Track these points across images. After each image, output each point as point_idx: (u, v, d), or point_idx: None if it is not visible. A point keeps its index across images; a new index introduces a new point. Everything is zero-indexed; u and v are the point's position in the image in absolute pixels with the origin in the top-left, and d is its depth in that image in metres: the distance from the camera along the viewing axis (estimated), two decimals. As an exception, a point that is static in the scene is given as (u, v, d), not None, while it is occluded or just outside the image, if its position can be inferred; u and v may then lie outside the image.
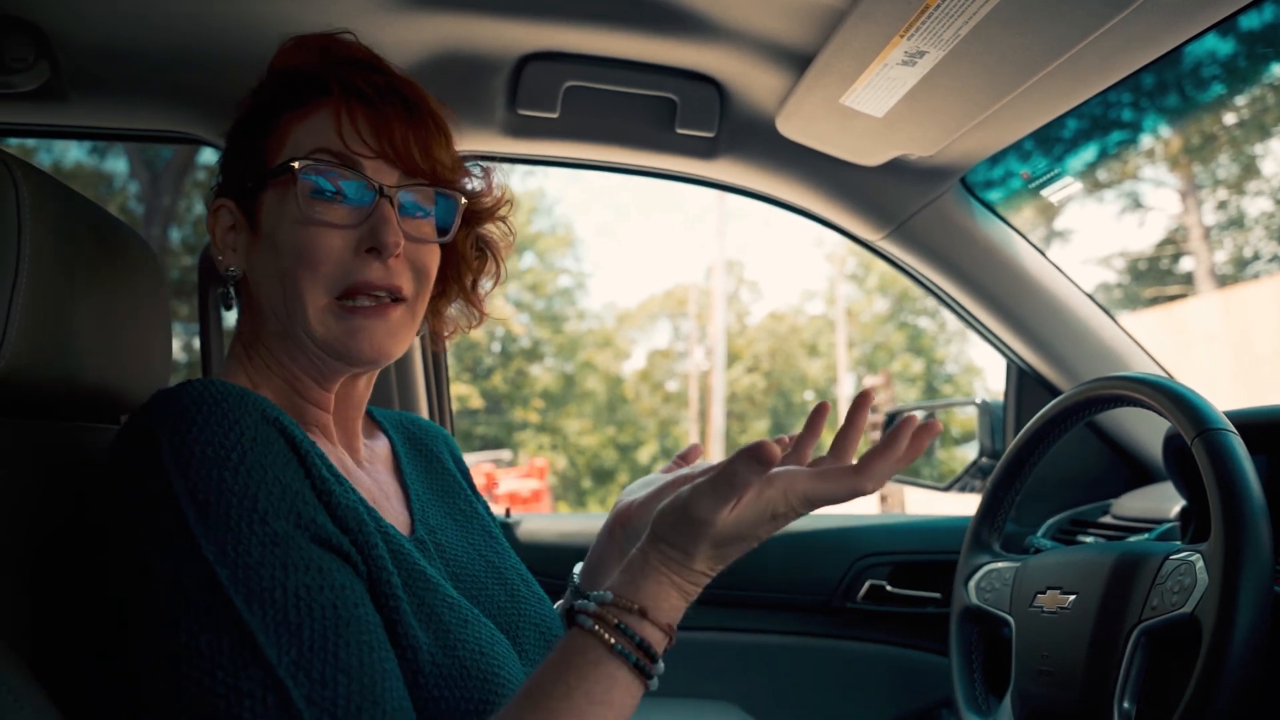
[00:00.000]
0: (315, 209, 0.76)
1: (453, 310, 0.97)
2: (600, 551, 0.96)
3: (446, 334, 0.98)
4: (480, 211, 0.92)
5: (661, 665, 0.64)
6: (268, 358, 0.82)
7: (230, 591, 0.59)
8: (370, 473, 0.88)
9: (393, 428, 0.99)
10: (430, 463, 0.99)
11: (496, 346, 23.60)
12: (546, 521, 1.77)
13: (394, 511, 0.86)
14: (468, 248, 0.92)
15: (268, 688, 0.58)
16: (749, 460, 0.61)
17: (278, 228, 0.77)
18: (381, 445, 0.96)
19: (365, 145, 0.77)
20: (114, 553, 0.63)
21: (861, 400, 0.72)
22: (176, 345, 0.98)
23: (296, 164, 0.75)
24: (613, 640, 0.63)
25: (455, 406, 1.82)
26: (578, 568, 0.99)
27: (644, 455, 22.88)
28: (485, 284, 0.97)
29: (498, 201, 0.93)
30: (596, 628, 0.63)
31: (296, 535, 0.63)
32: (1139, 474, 1.70)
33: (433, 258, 0.83)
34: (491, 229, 0.95)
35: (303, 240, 0.76)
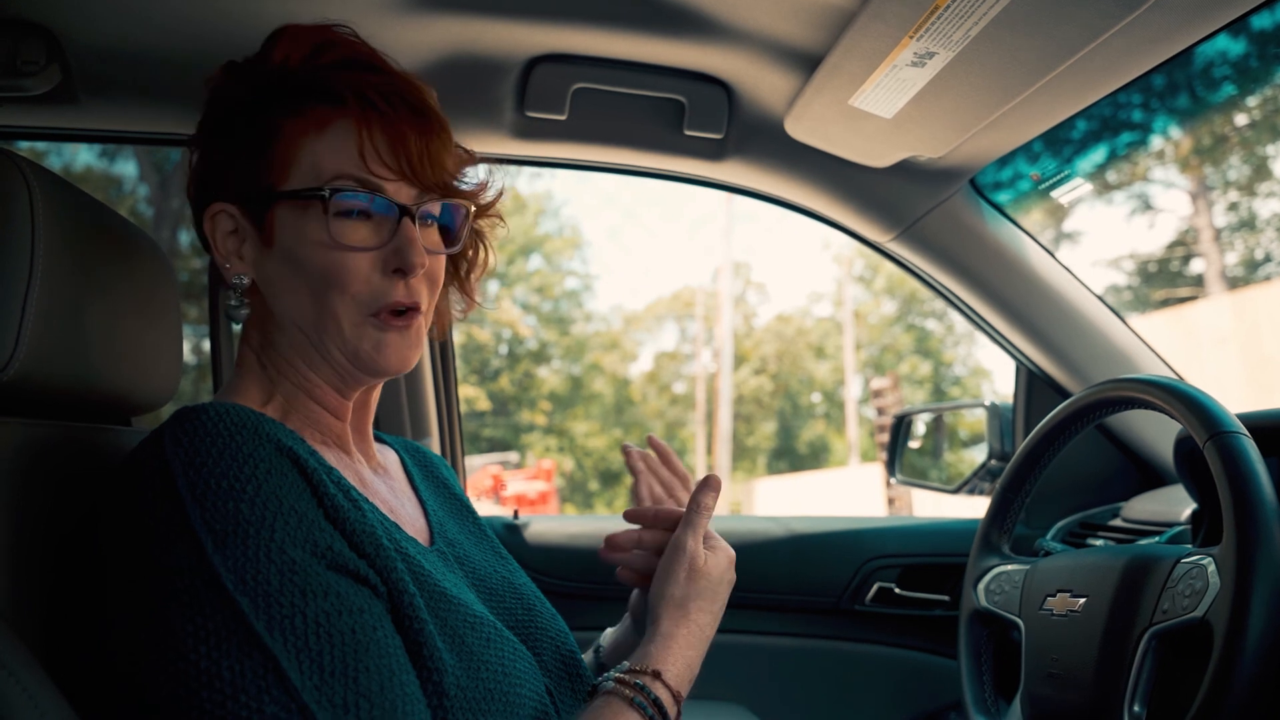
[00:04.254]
0: (343, 233, 0.76)
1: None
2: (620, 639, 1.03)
3: (441, 326, 0.97)
4: (479, 208, 0.91)
5: None
6: (283, 365, 0.81)
7: (252, 619, 0.60)
8: (385, 481, 0.89)
9: (400, 447, 1.00)
10: (438, 484, 1.00)
11: (504, 349, 23.65)
12: (554, 523, 1.77)
13: (412, 521, 0.86)
14: (466, 244, 0.91)
15: (292, 712, 0.58)
16: (706, 488, 0.88)
17: (298, 245, 0.77)
18: (392, 457, 0.97)
19: (385, 167, 0.77)
20: (128, 580, 0.63)
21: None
22: (186, 348, 0.98)
23: (327, 192, 0.75)
24: (631, 695, 0.74)
25: (462, 409, 1.82)
26: (604, 636, 1.05)
27: (651, 457, 22.83)
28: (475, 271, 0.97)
29: (496, 197, 0.92)
30: (617, 687, 0.75)
31: (313, 563, 0.64)
32: (1149, 477, 1.69)
33: (442, 266, 0.84)
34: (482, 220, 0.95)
35: (330, 263, 0.76)
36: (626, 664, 0.77)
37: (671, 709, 0.76)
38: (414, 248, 0.77)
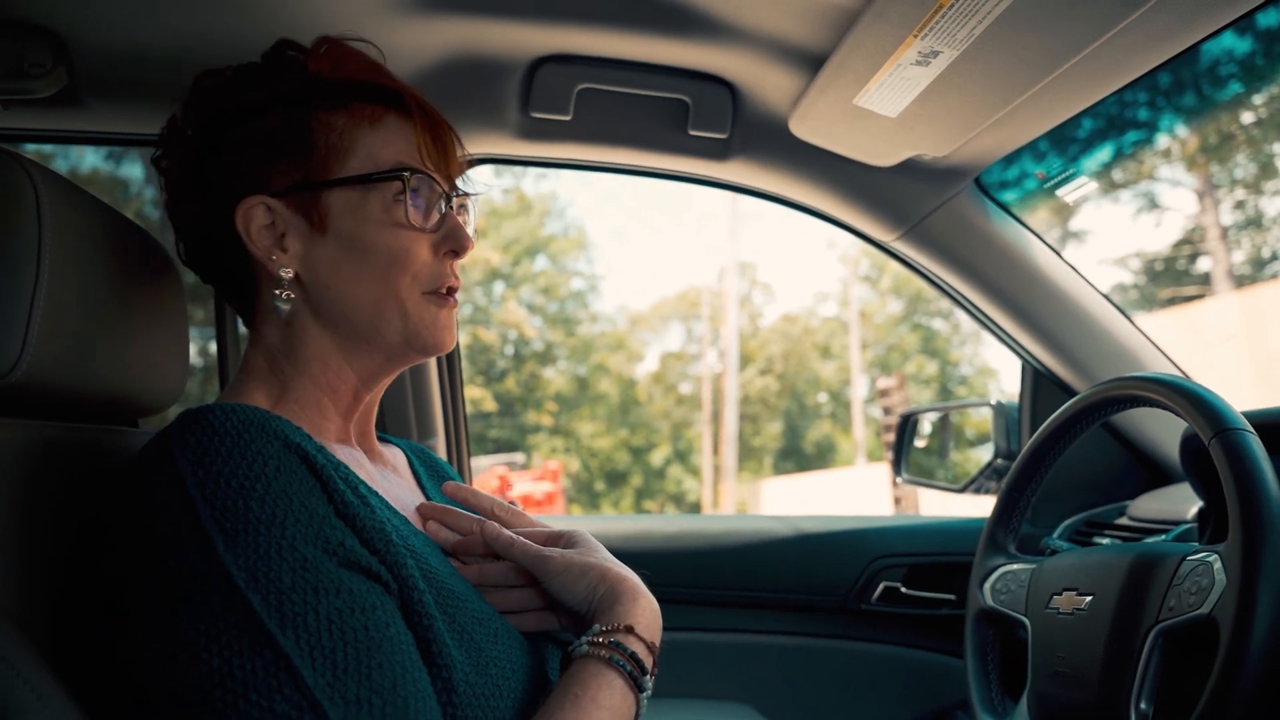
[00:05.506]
0: (411, 216, 0.81)
1: None
2: None
3: None
4: None
5: (650, 679, 0.74)
6: (305, 363, 0.82)
7: (264, 617, 0.59)
8: (392, 478, 0.90)
9: (407, 449, 1.02)
10: (443, 482, 1.00)
11: (509, 349, 23.67)
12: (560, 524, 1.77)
13: (418, 518, 0.87)
14: None
15: (304, 710, 0.58)
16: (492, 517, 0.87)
17: (362, 227, 0.80)
18: (399, 455, 0.98)
19: (432, 161, 0.85)
20: (138, 581, 0.63)
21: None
22: (193, 349, 0.99)
23: (408, 174, 0.81)
24: (608, 655, 0.72)
25: (468, 410, 1.82)
26: None
27: (657, 458, 22.88)
28: None
29: None
30: (591, 650, 0.73)
31: (325, 560, 0.64)
32: (1155, 475, 1.69)
33: None
34: None
35: (397, 243, 0.81)
36: (598, 626, 0.75)
37: (648, 660, 0.74)
38: (464, 231, 0.85)
